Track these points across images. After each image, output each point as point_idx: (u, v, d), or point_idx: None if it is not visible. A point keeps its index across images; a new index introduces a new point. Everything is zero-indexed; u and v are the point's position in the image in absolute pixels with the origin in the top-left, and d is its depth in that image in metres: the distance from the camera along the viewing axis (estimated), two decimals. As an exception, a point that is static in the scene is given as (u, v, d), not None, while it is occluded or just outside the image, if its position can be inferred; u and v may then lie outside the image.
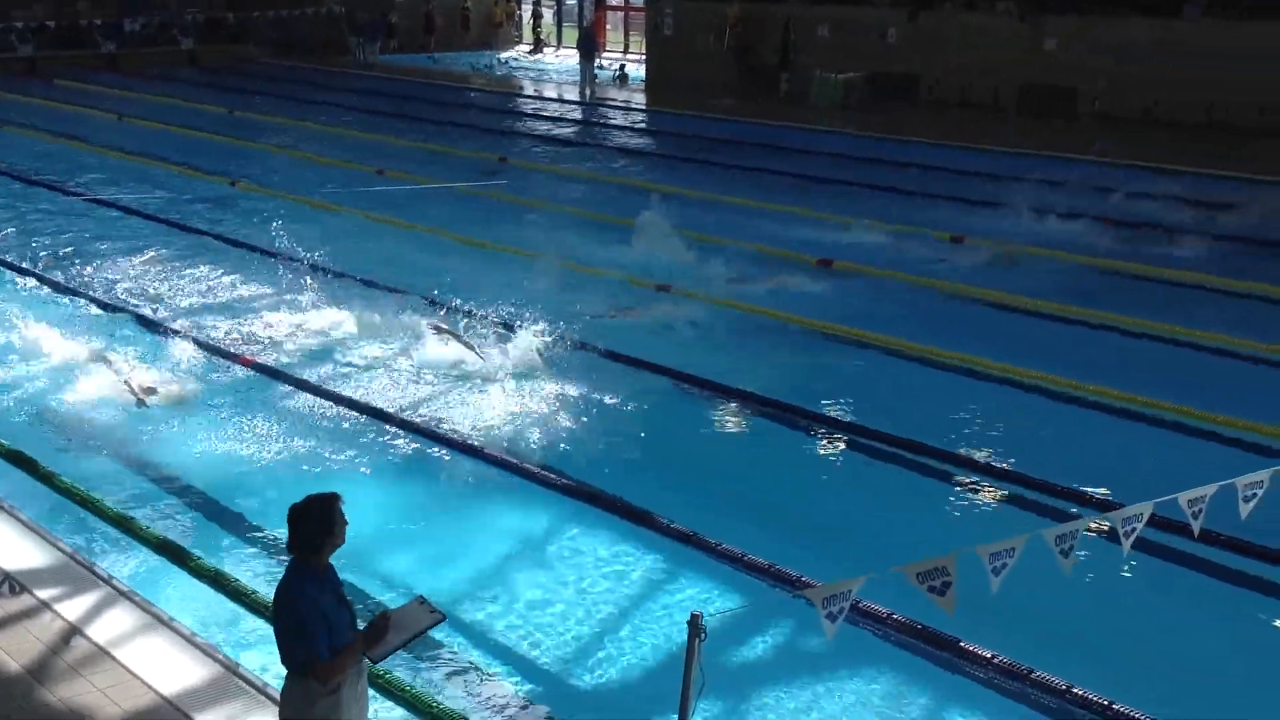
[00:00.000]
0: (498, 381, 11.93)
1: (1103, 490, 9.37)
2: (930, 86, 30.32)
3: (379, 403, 11.45)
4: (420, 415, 11.21)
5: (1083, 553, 7.28)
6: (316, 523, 5.40)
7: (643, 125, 30.49)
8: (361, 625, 5.53)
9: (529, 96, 34.74)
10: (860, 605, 7.54)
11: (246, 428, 10.86)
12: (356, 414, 11.21)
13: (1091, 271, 16.02)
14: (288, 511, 5.44)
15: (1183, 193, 19.86)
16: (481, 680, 7.25)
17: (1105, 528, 7.21)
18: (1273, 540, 8.33)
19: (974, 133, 25.93)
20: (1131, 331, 13.60)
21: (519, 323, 12.93)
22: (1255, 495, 6.61)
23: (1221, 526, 7.64)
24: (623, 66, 37.57)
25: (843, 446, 10.63)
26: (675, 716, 4.87)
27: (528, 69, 40.26)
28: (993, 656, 7.26)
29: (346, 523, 5.48)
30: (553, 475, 9.88)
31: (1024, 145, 24.41)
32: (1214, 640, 7.64)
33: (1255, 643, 7.65)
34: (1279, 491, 6.68)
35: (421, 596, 5.71)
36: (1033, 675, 7.09)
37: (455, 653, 7.52)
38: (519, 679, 7.33)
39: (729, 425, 11.29)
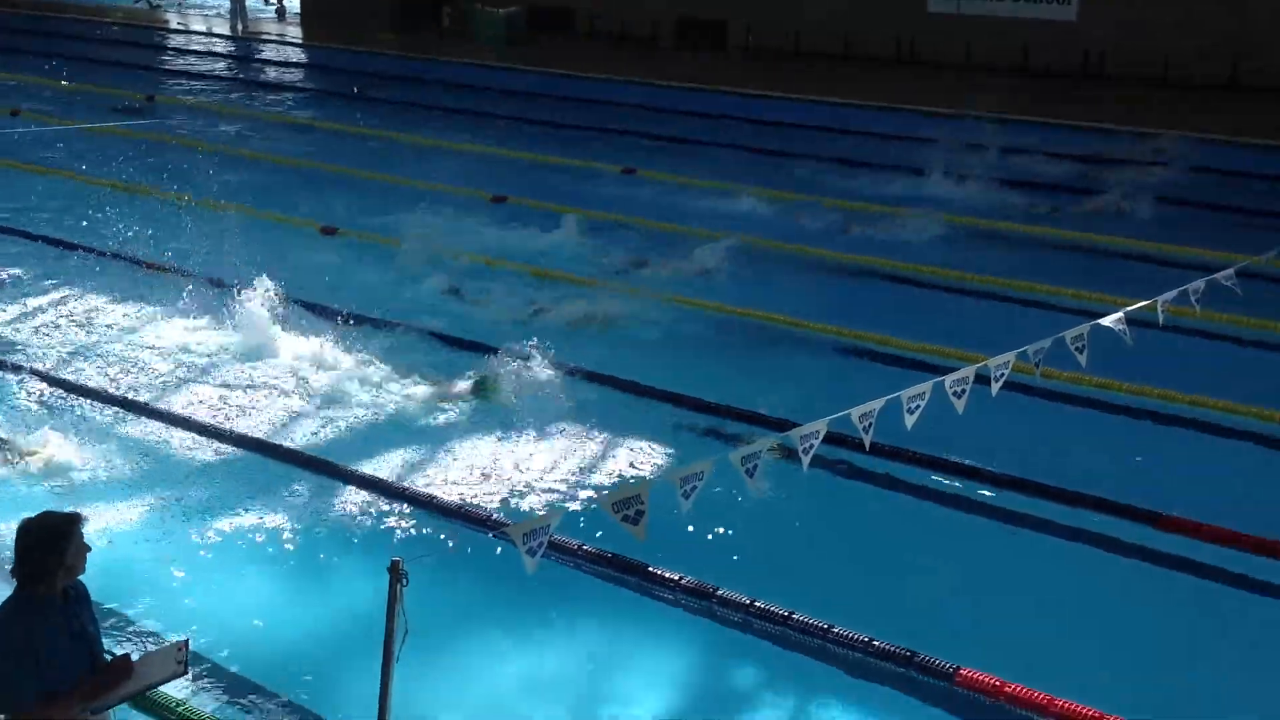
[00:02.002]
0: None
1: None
2: (590, 19, 30.54)
3: None
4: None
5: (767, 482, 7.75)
6: (39, 546, 4.70)
7: (300, 60, 29.45)
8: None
9: (178, 31, 32.93)
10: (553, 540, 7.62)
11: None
12: None
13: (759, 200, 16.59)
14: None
15: (813, 120, 21.09)
16: (155, 642, 6.86)
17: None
18: (930, 447, 8.87)
19: (633, 66, 26.37)
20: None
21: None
22: (918, 407, 7.03)
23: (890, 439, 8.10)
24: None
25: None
26: (379, 666, 4.76)
27: (177, 2, 38.15)
28: (680, 578, 7.45)
29: (88, 549, 4.81)
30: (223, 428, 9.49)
31: (678, 78, 25.02)
32: (886, 543, 8.07)
33: (918, 540, 8.13)
34: (939, 402, 7.15)
35: (183, 644, 5.01)
36: (718, 593, 7.31)
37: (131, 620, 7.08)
38: (209, 637, 6.93)
39: (380, 356, 11.00)
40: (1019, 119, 21.05)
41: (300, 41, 31.70)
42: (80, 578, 4.89)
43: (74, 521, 4.84)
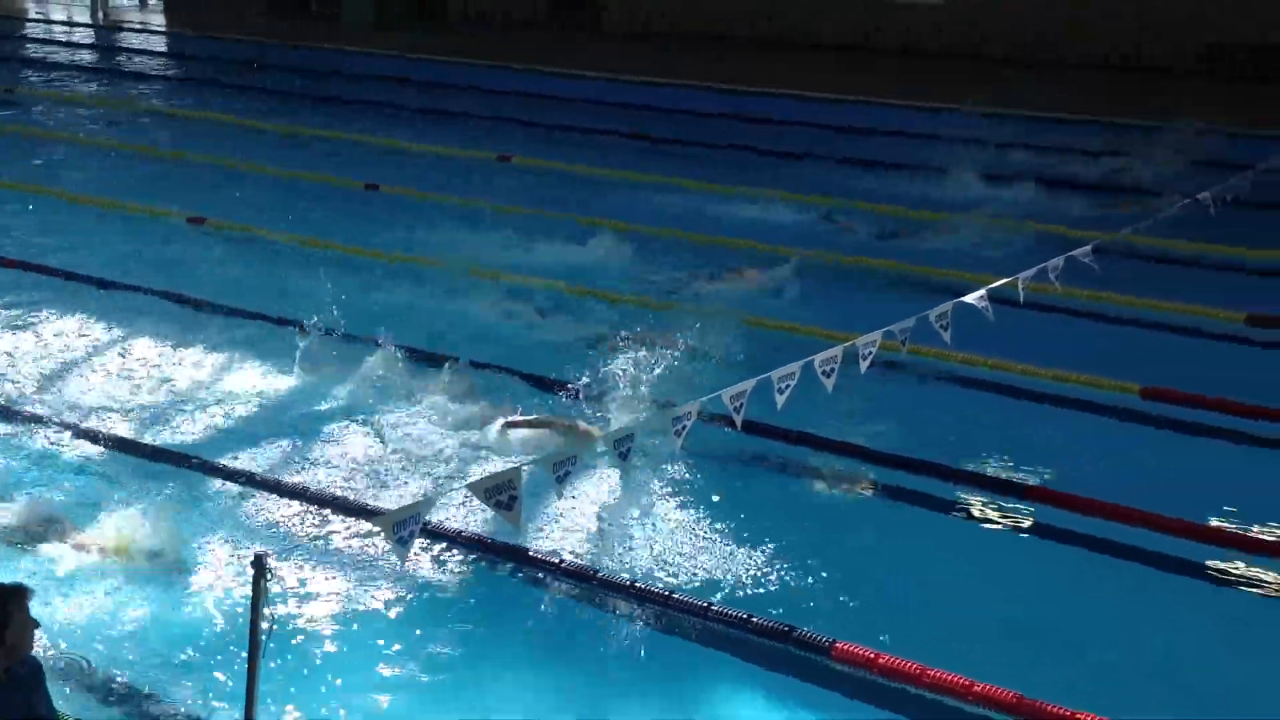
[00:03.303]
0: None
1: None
2: (464, 2, 30.31)
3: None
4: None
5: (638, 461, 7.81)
6: None
7: (163, 49, 28.78)
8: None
9: (38, 20, 31.94)
10: (431, 527, 7.61)
11: None
12: None
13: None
14: None
15: (690, 105, 21.27)
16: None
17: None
18: (802, 425, 9.02)
19: (509, 51, 26.27)
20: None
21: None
22: (788, 387, 7.14)
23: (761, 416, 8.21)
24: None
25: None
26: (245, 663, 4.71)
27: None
28: (560, 563, 7.47)
29: (36, 625, 4.55)
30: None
31: (555, 62, 25.05)
32: (763, 522, 8.16)
33: (796, 519, 8.25)
34: (808, 381, 7.28)
35: None
36: (598, 576, 7.35)
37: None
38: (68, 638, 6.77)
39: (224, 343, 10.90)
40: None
41: (164, 29, 30.97)
42: (35, 654, 4.58)
43: (15, 596, 4.52)
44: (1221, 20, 23.19)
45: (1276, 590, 7.46)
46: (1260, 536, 7.93)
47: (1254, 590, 7.47)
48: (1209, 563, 7.69)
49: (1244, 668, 6.81)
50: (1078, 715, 6.07)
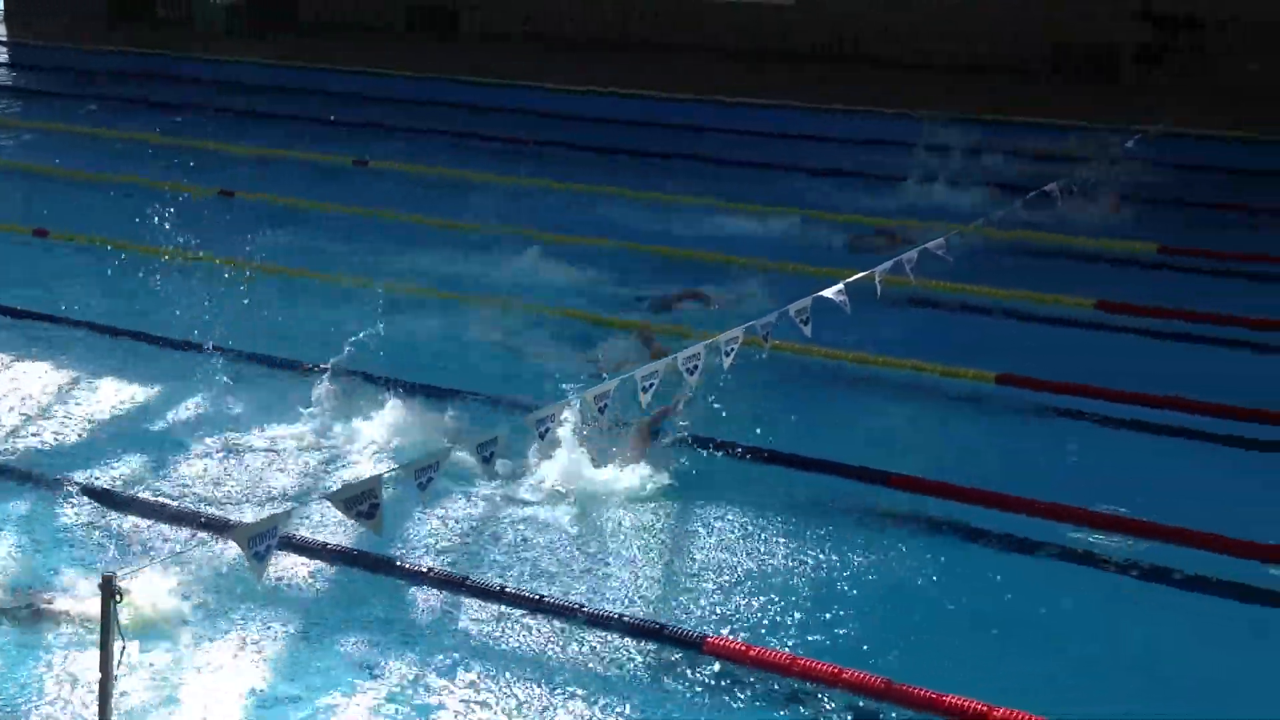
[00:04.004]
0: None
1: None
2: (317, 10, 29.83)
3: None
4: None
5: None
6: None
7: (4, 59, 27.84)
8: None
9: None
10: (295, 539, 7.46)
11: None
12: None
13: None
14: None
15: (547, 107, 21.27)
16: None
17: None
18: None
19: (361, 55, 25.96)
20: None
21: None
22: (651, 385, 7.17)
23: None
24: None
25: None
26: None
27: None
28: (430, 570, 7.39)
29: None
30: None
31: (412, 67, 24.83)
32: (638, 525, 8.17)
33: (669, 520, 8.27)
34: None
35: None
36: (467, 582, 7.29)
37: None
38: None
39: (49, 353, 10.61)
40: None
41: (4, 39, 29.93)
42: None
43: None
44: (1064, 21, 23.84)
45: (1128, 568, 7.66)
46: (1107, 513, 8.12)
47: (1105, 567, 7.68)
48: (1064, 542, 7.88)
49: (1084, 651, 6.97)
50: (944, 697, 6.18)
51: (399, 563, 7.44)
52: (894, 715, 6.19)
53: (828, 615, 7.14)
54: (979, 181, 15.99)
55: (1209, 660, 6.80)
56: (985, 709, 6.05)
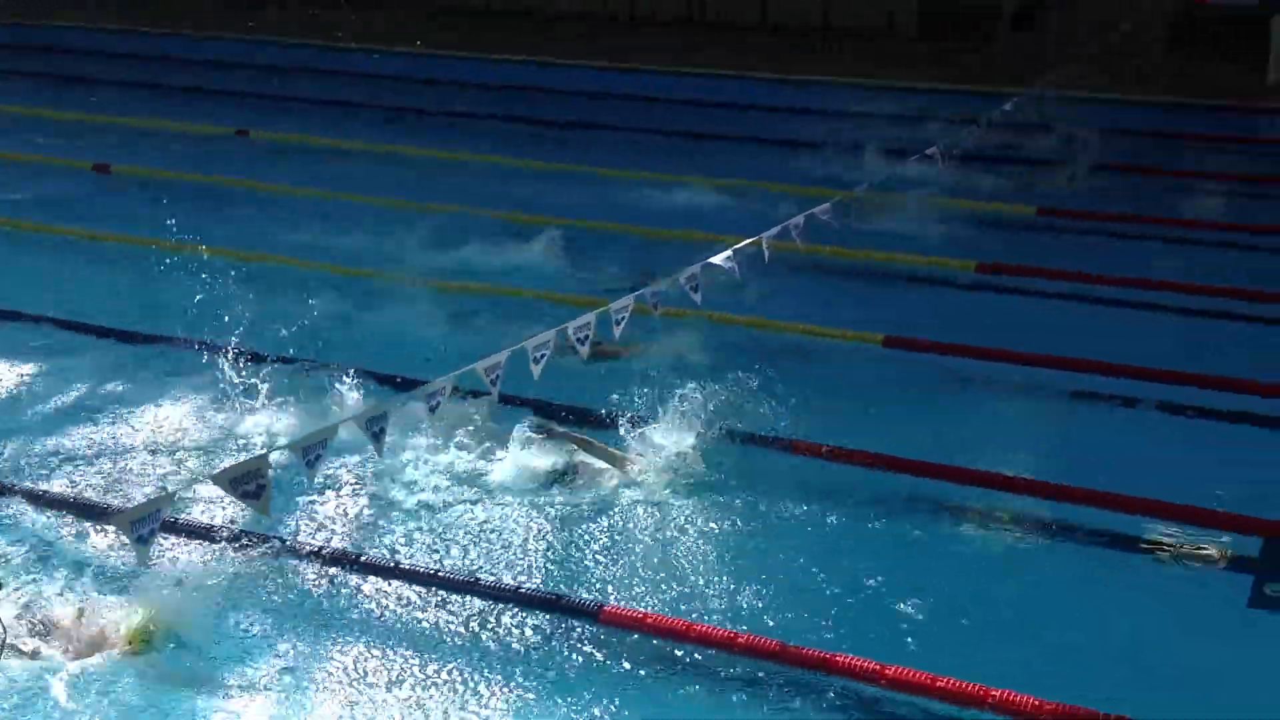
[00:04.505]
0: None
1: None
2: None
3: None
4: None
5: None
6: None
7: None
8: None
9: None
10: (180, 523, 7.34)
11: None
12: None
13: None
14: None
15: (429, 73, 21.01)
16: None
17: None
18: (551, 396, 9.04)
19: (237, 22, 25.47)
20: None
21: None
22: (544, 356, 7.15)
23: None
24: None
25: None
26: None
27: None
28: (321, 548, 7.33)
29: None
30: None
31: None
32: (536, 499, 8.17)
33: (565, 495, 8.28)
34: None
35: None
36: (361, 559, 7.25)
37: None
38: None
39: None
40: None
41: None
42: None
43: None
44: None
45: (983, 520, 7.81)
46: (995, 472, 8.28)
47: (993, 526, 7.84)
48: (952, 502, 8.02)
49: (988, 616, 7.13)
50: (835, 657, 6.29)
51: (289, 541, 7.38)
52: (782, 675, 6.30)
53: (723, 584, 7.21)
54: (855, 147, 16.12)
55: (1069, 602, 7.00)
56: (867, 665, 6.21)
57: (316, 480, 7.27)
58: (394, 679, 6.27)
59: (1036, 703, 5.92)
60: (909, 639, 6.66)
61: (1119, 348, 10.12)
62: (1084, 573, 7.35)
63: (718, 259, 8.70)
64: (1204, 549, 7.18)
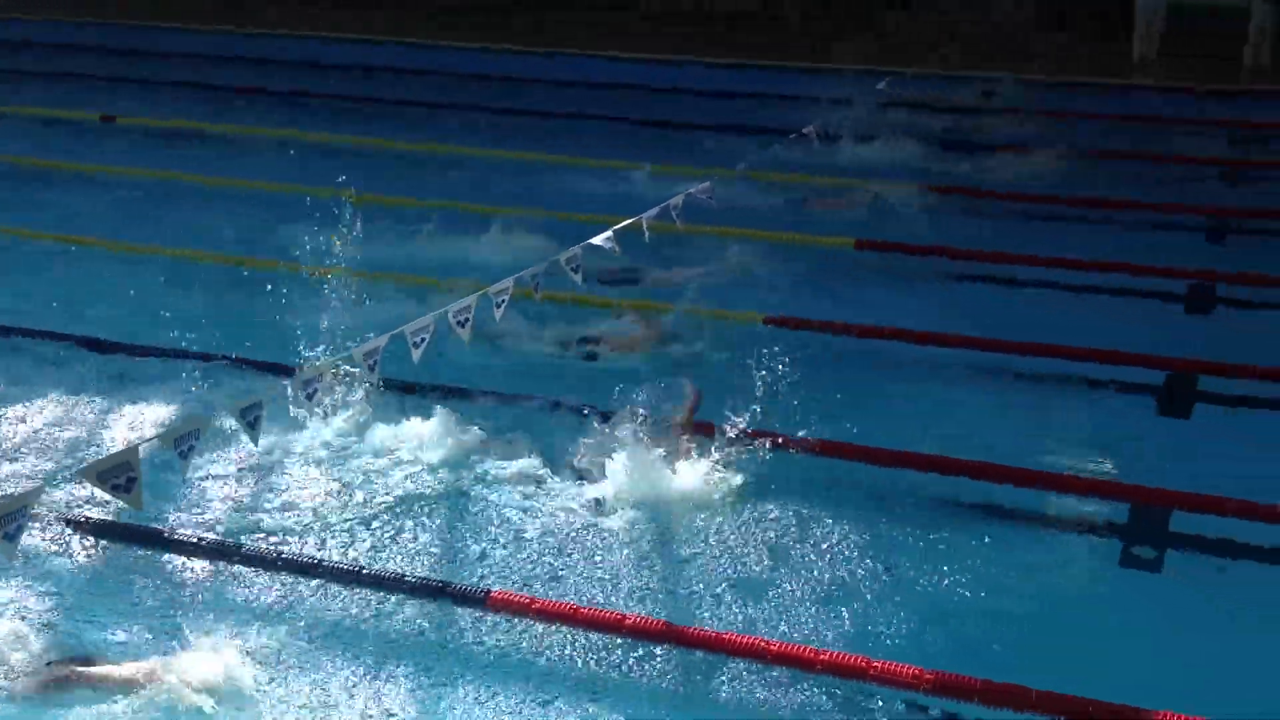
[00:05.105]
0: None
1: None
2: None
3: None
4: None
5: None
6: None
7: None
8: None
9: None
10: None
11: None
12: None
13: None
14: None
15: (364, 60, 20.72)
16: None
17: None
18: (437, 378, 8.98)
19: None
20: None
21: None
22: (423, 340, 7.07)
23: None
24: None
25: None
26: None
27: None
28: (199, 541, 7.18)
29: None
30: None
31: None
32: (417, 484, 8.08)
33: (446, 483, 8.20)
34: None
35: None
36: (241, 550, 7.12)
37: None
38: None
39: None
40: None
41: None
42: None
43: None
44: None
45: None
46: (878, 448, 8.39)
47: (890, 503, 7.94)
48: (850, 478, 8.10)
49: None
50: (725, 635, 6.33)
51: (167, 533, 7.22)
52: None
53: (615, 568, 7.21)
54: (737, 127, 16.14)
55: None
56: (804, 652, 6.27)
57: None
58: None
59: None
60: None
61: (995, 323, 10.32)
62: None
63: (598, 239, 8.67)
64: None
